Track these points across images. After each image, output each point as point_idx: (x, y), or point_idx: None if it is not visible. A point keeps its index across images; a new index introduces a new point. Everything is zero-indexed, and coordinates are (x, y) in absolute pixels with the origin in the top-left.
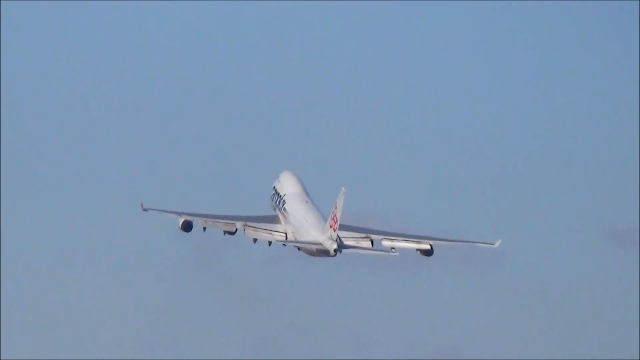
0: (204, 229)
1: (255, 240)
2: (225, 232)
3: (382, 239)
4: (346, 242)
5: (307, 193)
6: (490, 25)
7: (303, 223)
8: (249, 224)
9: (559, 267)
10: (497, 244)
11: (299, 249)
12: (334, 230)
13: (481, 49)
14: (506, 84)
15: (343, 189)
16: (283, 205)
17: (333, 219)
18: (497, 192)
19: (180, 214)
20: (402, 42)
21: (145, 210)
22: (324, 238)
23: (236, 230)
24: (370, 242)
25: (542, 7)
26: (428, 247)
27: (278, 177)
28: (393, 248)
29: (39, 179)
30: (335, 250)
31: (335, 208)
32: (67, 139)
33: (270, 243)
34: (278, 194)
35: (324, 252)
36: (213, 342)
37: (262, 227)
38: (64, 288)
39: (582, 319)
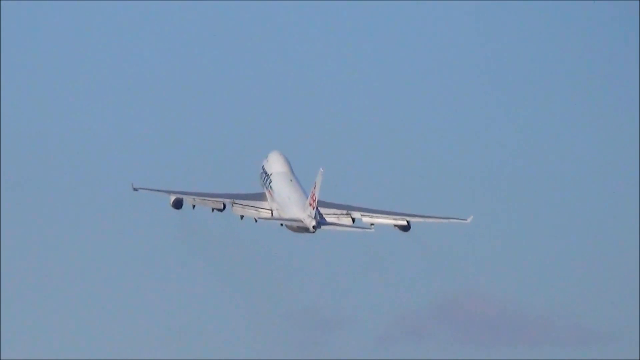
0: (193, 206)
1: (242, 216)
2: (213, 209)
3: (362, 216)
4: (328, 218)
5: (292, 172)
6: (490, 25)
7: (286, 201)
8: (237, 201)
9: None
10: (469, 219)
11: (282, 224)
12: (313, 208)
13: (481, 49)
14: (504, 82)
15: (321, 169)
16: (270, 183)
17: (312, 197)
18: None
19: (169, 192)
20: (388, 36)
21: (135, 189)
22: (304, 215)
23: (224, 207)
24: (351, 219)
25: (542, 7)
26: (405, 223)
27: (267, 156)
28: (372, 224)
29: (35, 163)
30: (314, 227)
31: (314, 187)
32: (62, 121)
33: (256, 220)
34: (266, 173)
35: (304, 229)
36: (208, 318)
37: (249, 205)
38: (59, 266)
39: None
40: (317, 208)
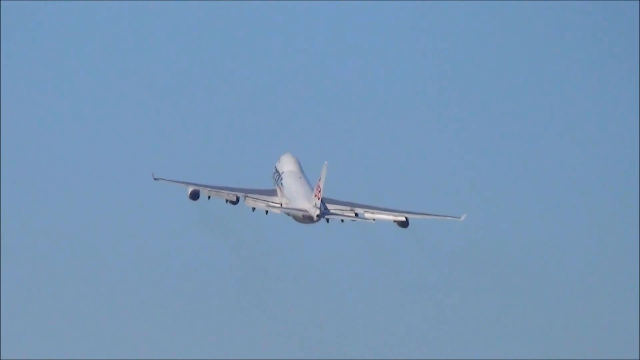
0: (209, 197)
1: (253, 209)
2: (227, 201)
3: (364, 212)
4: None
5: (302, 170)
6: (490, 25)
7: (294, 195)
8: (249, 195)
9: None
10: (463, 217)
11: (288, 214)
12: (318, 199)
13: (481, 49)
14: (504, 82)
15: (326, 162)
16: (281, 181)
17: (317, 189)
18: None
19: (187, 184)
20: (391, 37)
21: (155, 179)
22: (310, 206)
23: (237, 200)
24: (354, 214)
25: (542, 7)
26: (403, 219)
27: (279, 158)
28: (374, 219)
29: (57, 155)
30: (317, 216)
31: (319, 180)
32: (83, 115)
33: (267, 212)
34: (277, 172)
35: (309, 218)
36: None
37: (261, 198)
38: (81, 253)
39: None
40: (321, 199)
